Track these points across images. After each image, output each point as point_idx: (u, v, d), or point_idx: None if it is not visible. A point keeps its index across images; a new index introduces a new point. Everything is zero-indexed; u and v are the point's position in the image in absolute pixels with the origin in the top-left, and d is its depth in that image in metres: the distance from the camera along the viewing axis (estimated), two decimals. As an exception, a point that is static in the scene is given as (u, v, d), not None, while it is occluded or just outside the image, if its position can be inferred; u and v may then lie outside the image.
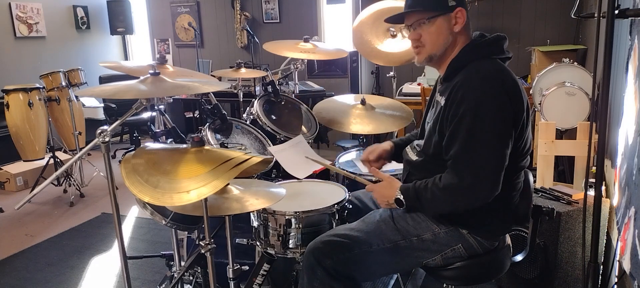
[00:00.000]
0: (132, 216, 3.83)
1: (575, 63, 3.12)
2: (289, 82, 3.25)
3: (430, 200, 1.53)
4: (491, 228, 1.60)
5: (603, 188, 2.29)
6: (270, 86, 2.56)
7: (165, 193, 1.23)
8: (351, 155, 2.51)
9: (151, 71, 1.61)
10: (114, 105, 5.49)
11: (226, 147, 2.08)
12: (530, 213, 1.69)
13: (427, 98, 4.05)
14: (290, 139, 2.30)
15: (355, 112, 2.48)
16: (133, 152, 1.39)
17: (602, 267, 1.68)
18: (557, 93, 2.89)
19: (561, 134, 3.00)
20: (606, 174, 2.41)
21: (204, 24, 6.26)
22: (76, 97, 4.41)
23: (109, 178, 1.52)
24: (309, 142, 2.35)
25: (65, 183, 4.28)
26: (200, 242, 1.51)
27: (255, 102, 2.48)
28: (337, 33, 5.76)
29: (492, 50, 1.55)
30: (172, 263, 2.36)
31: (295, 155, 2.16)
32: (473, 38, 1.61)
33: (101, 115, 5.69)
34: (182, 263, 2.23)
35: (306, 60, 2.78)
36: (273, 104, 2.60)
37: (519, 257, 1.79)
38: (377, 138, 4.64)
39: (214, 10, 6.15)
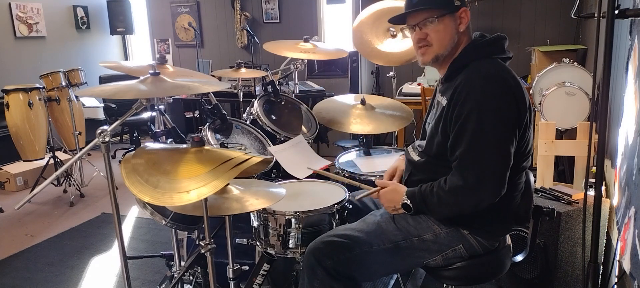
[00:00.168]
0: (132, 216, 3.83)
1: (575, 63, 3.12)
2: (289, 82, 3.25)
3: (436, 204, 1.53)
4: (492, 229, 1.60)
5: (603, 188, 2.29)
6: (270, 86, 2.56)
7: (165, 193, 1.23)
8: (351, 155, 2.51)
9: (151, 71, 1.61)
10: (114, 105, 5.49)
11: (226, 147, 2.08)
12: (531, 213, 1.69)
13: (427, 98, 4.03)
14: (290, 138, 2.30)
15: (355, 112, 2.48)
16: (133, 152, 1.39)
17: (602, 267, 1.68)
18: (557, 93, 2.89)
19: (561, 134, 3.00)
20: (606, 174, 2.41)
21: (204, 24, 6.26)
22: (76, 97, 4.41)
23: (109, 178, 1.52)
24: (309, 142, 2.35)
25: (65, 183, 4.28)
26: (200, 242, 1.51)
27: (255, 102, 2.48)
28: (337, 33, 5.76)
29: (493, 50, 1.55)
30: (172, 263, 2.36)
31: (295, 155, 2.16)
32: (473, 38, 1.61)
33: (101, 115, 5.69)
34: (182, 263, 2.23)
35: (306, 60, 2.78)
36: (273, 104, 2.60)
37: (519, 257, 1.79)
38: (377, 138, 4.65)
39: (214, 10, 6.15)
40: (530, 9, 4.65)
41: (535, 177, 2.84)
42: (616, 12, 1.26)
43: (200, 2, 6.20)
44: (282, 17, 5.80)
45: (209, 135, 2.19)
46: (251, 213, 1.84)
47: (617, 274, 1.77)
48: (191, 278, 2.13)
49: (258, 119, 2.39)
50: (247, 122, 2.43)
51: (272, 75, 2.89)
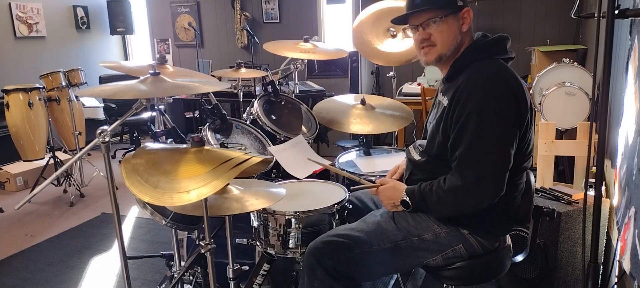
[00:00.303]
0: (132, 216, 3.83)
1: (575, 63, 3.12)
2: (289, 82, 3.25)
3: (435, 203, 1.53)
4: (492, 229, 1.60)
5: (603, 188, 2.29)
6: (270, 86, 2.56)
7: (165, 193, 1.23)
8: (351, 155, 2.51)
9: (151, 71, 1.61)
10: (114, 105, 5.49)
11: (226, 147, 2.08)
12: (531, 213, 1.69)
13: (427, 98, 4.02)
14: (290, 138, 2.30)
15: (355, 112, 2.48)
16: (133, 152, 1.39)
17: (602, 267, 1.68)
18: (557, 93, 2.89)
19: (561, 134, 3.00)
20: (606, 174, 2.40)
21: (204, 24, 6.26)
22: (76, 97, 4.40)
23: (109, 178, 1.52)
24: (309, 142, 2.35)
25: (65, 183, 4.28)
26: (200, 242, 1.51)
27: (255, 102, 2.48)
28: (337, 33, 5.76)
29: (495, 50, 1.55)
30: (172, 263, 2.36)
31: (295, 155, 2.16)
32: (475, 38, 1.61)
33: (101, 115, 5.69)
34: (182, 263, 2.23)
35: (306, 60, 2.78)
36: (273, 104, 2.60)
37: (519, 257, 1.79)
38: (377, 138, 4.65)
39: (214, 10, 6.15)
40: (530, 9, 4.65)
41: (535, 177, 2.84)
42: (616, 12, 1.26)
43: (200, 2, 6.20)
44: (282, 17, 5.80)
45: (209, 135, 2.19)
46: (251, 213, 1.84)
47: (617, 274, 1.77)
48: (191, 278, 2.13)
49: (258, 119, 2.39)
50: (247, 122, 2.43)
51: (272, 75, 2.89)
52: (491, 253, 1.62)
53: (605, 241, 2.16)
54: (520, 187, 1.60)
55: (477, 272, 1.62)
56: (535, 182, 2.39)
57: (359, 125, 2.42)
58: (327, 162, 2.02)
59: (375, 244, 1.57)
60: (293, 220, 1.74)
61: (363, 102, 2.49)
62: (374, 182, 1.76)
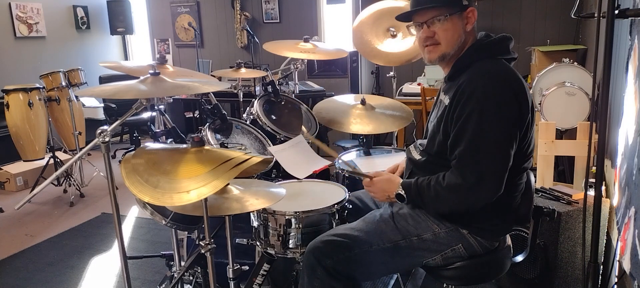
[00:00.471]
0: (132, 216, 3.83)
1: (575, 63, 3.12)
2: (289, 82, 3.25)
3: (433, 198, 1.53)
4: (492, 229, 1.60)
5: (603, 188, 2.29)
6: (270, 86, 2.56)
7: (165, 193, 1.23)
8: (351, 155, 2.51)
9: (151, 71, 1.61)
10: (114, 105, 5.49)
11: (226, 147, 2.08)
12: (531, 213, 1.69)
13: (427, 98, 4.02)
14: (290, 138, 2.30)
15: (355, 112, 2.47)
16: (133, 152, 1.39)
17: (602, 267, 1.68)
18: (557, 93, 2.89)
19: (561, 134, 3.00)
20: (606, 174, 2.40)
21: (204, 24, 6.26)
22: (76, 97, 4.41)
23: (109, 178, 1.52)
24: (309, 142, 2.35)
25: (65, 183, 4.28)
26: (200, 242, 1.51)
27: (255, 102, 2.48)
28: (337, 33, 5.76)
29: (497, 50, 1.56)
30: (172, 263, 2.36)
31: (295, 155, 2.16)
32: (478, 38, 1.61)
33: (101, 115, 5.69)
34: (182, 263, 2.23)
35: (306, 60, 2.78)
36: (273, 104, 2.59)
37: (519, 258, 1.79)
38: (377, 138, 4.64)
39: (214, 10, 6.15)
40: (530, 9, 4.65)
41: (535, 177, 2.84)
42: (616, 12, 1.26)
43: (200, 2, 6.20)
44: (282, 17, 5.80)
45: (209, 135, 2.19)
46: (251, 213, 1.84)
47: (617, 274, 1.77)
48: (191, 278, 2.13)
49: (258, 119, 2.39)
50: (247, 122, 2.43)
51: (272, 75, 2.89)
52: (491, 253, 1.62)
53: (605, 241, 2.16)
54: (520, 187, 1.60)
55: (477, 271, 1.62)
56: (535, 182, 2.39)
57: (359, 125, 2.42)
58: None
59: (375, 244, 1.57)
60: (293, 220, 1.74)
61: (363, 102, 2.49)
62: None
